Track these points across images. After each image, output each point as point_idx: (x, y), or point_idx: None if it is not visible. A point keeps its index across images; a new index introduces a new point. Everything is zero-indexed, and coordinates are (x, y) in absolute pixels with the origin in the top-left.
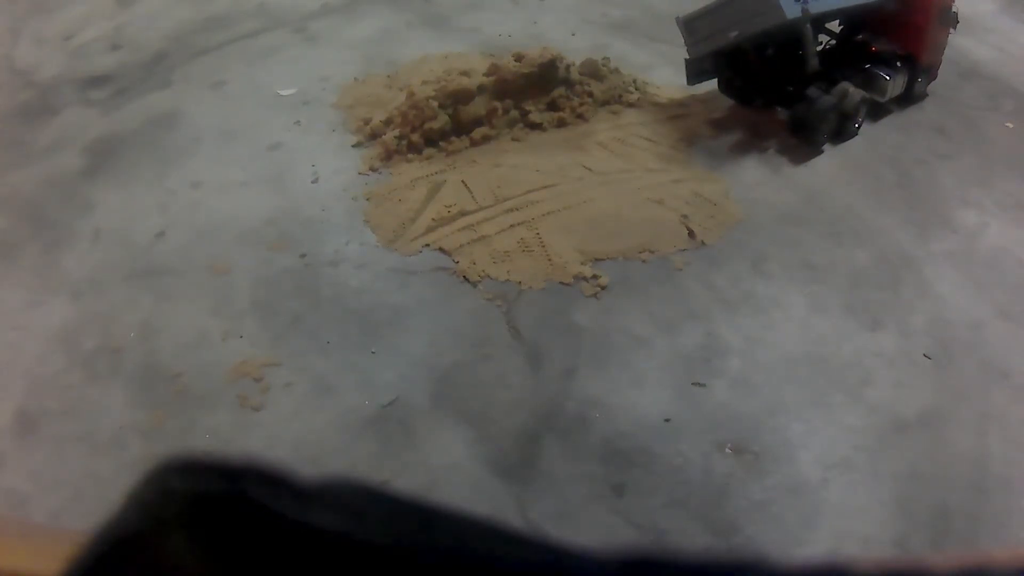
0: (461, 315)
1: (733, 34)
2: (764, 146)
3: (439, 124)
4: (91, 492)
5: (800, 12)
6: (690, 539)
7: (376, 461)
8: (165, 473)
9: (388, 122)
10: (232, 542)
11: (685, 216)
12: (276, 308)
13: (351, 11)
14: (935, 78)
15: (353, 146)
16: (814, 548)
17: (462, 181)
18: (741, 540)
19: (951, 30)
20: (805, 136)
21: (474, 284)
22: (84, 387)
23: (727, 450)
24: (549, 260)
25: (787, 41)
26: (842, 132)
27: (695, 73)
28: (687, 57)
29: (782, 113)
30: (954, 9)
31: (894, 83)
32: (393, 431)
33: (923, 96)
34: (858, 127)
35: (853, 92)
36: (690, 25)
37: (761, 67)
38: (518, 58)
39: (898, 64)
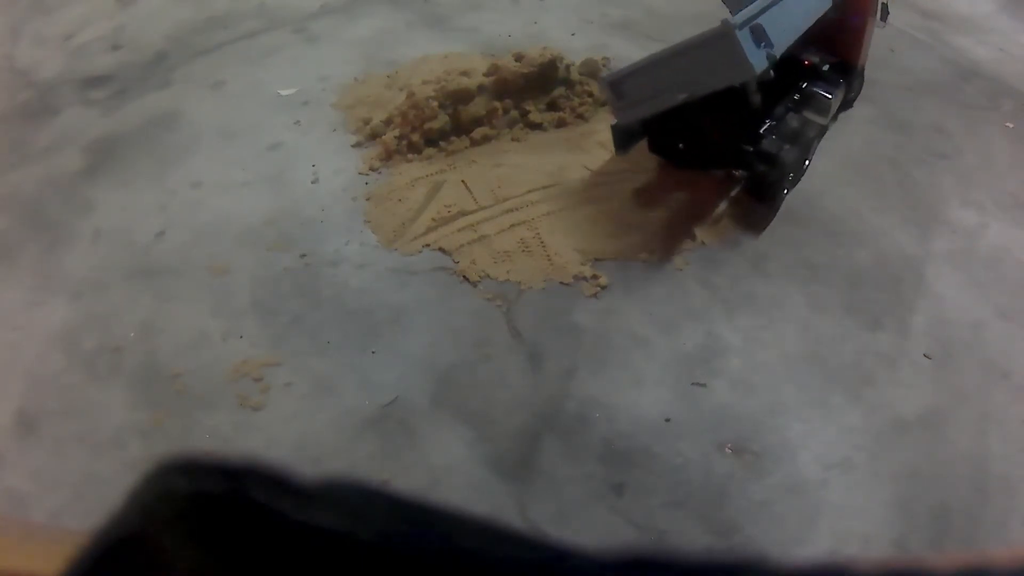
0: (461, 315)
1: (682, 96)
2: None
3: (439, 124)
4: (91, 492)
5: (766, 60)
6: (690, 539)
7: (376, 461)
8: (165, 473)
9: (388, 122)
10: (232, 542)
11: (685, 216)
12: (276, 308)
13: (351, 11)
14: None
15: (353, 146)
16: (814, 548)
17: (462, 181)
18: (741, 540)
19: (882, 24)
20: (768, 196)
21: (474, 284)
22: (84, 387)
23: (727, 450)
24: (549, 260)
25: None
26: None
27: (624, 141)
28: (614, 123)
29: (740, 174)
30: (883, 1)
31: (835, 99)
32: (393, 431)
33: (855, 98)
34: (807, 163)
35: (805, 128)
36: (617, 87)
37: (712, 127)
38: (518, 58)
39: (833, 74)
